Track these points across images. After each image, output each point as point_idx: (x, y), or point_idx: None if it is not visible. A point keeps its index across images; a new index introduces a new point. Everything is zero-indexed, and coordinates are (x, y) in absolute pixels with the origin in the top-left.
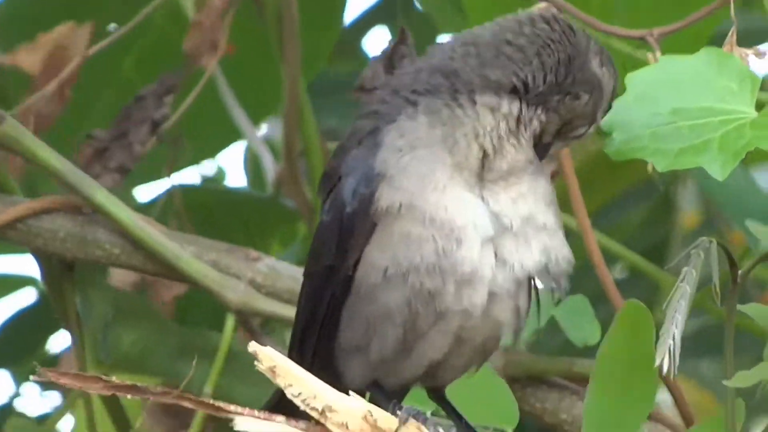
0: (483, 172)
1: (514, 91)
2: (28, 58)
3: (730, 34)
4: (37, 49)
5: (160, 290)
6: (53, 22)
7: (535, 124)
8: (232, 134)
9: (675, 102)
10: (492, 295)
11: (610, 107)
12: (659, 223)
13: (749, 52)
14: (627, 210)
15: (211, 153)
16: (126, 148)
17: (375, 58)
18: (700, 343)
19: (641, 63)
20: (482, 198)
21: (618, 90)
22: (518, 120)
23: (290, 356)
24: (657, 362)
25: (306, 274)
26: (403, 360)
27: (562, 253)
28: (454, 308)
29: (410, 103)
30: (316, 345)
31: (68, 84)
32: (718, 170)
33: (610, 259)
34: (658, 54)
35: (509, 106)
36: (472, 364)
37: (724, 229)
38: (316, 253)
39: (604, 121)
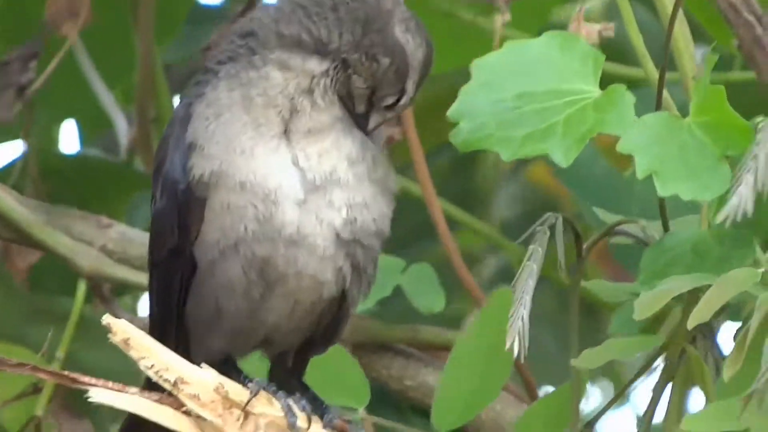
0: (288, 132)
1: (309, 49)
2: None
3: (577, 11)
4: None
5: (14, 258)
6: None
7: (335, 83)
8: (88, 100)
9: (520, 86)
10: (314, 255)
11: (421, 81)
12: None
13: (598, 27)
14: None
15: (66, 117)
16: None
17: (224, 22)
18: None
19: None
20: (292, 156)
21: (432, 66)
22: (313, 77)
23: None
24: (507, 345)
25: (152, 265)
26: (252, 325)
27: (363, 212)
28: (288, 271)
29: (214, 73)
30: (177, 332)
31: None
32: (561, 157)
33: (455, 225)
34: (507, 16)
35: (302, 63)
36: (305, 326)
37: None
38: (157, 241)
39: (452, 110)
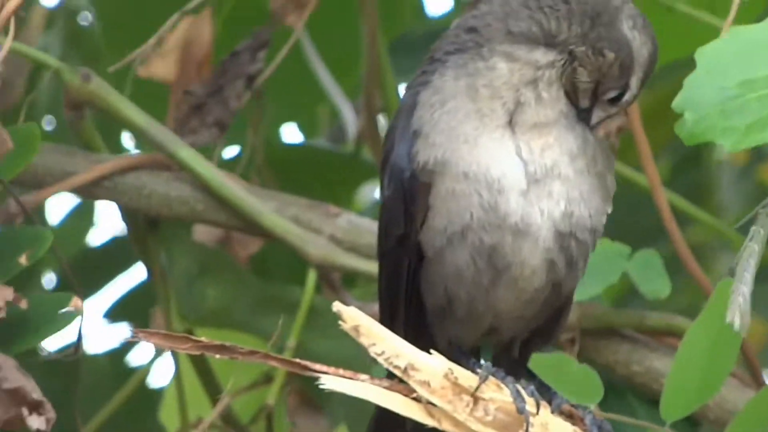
0: (513, 124)
1: (536, 41)
2: (162, 65)
3: None
4: (167, 53)
5: (236, 247)
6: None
7: (560, 75)
8: (316, 93)
9: (743, 74)
10: (537, 245)
11: (646, 78)
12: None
13: None
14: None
15: (297, 112)
16: (222, 103)
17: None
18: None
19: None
20: (515, 147)
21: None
22: (538, 68)
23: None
24: (728, 319)
25: (381, 255)
26: (481, 311)
27: (580, 206)
28: (514, 260)
29: (441, 62)
30: (406, 319)
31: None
32: None
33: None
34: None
35: (528, 53)
36: (530, 315)
37: None
38: (386, 229)
39: (676, 100)
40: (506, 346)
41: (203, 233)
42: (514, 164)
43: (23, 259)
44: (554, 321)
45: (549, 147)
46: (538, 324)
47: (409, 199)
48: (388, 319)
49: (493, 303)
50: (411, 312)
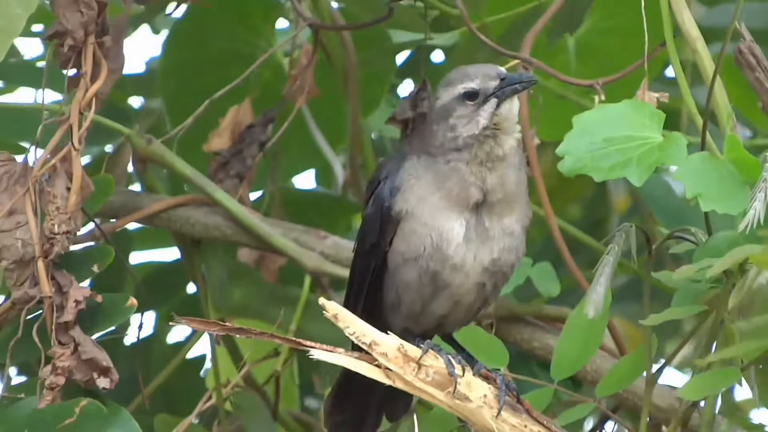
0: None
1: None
2: (219, 141)
3: (642, 84)
4: (222, 132)
5: (268, 262)
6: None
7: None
8: (315, 154)
9: (607, 133)
10: (469, 278)
11: None
12: (600, 209)
13: (656, 95)
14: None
15: (302, 168)
16: (242, 161)
17: (405, 98)
18: (634, 297)
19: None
20: (467, 214)
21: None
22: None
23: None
24: (585, 309)
25: (355, 254)
26: (422, 315)
27: (507, 258)
28: (451, 282)
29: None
30: (365, 303)
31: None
32: (636, 179)
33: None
34: (603, 96)
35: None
36: (467, 318)
37: (644, 212)
38: (363, 237)
39: (559, 148)
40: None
41: (245, 255)
42: (459, 225)
43: (95, 268)
44: (474, 315)
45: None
46: (469, 319)
47: (384, 220)
48: (351, 301)
49: (431, 309)
50: (368, 301)
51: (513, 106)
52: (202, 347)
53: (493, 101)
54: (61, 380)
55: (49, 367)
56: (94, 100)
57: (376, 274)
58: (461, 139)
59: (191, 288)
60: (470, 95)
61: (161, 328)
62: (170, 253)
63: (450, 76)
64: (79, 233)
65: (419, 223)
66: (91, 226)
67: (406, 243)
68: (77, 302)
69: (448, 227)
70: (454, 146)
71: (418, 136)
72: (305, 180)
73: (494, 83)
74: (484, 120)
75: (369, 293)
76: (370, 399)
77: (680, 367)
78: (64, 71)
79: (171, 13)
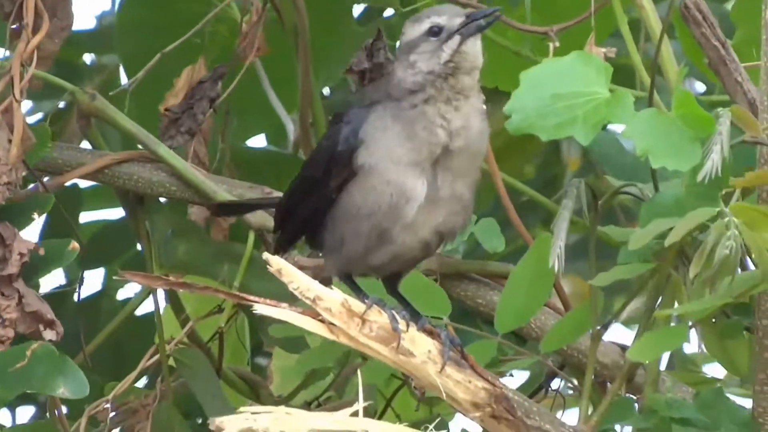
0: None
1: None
2: (175, 101)
3: (589, 39)
4: (178, 92)
5: (219, 220)
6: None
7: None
8: (268, 111)
9: (553, 89)
10: (416, 236)
11: None
12: (553, 166)
13: (603, 50)
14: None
15: (255, 126)
16: (192, 117)
17: (360, 49)
18: (583, 253)
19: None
20: (428, 176)
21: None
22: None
23: (276, 228)
24: (550, 264)
25: (301, 172)
26: (362, 261)
27: (456, 220)
28: (397, 240)
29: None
30: (291, 227)
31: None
32: (582, 137)
33: (516, 194)
34: (557, 43)
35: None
36: (404, 268)
37: (598, 169)
38: (312, 161)
39: (506, 106)
40: (387, 278)
41: (195, 213)
42: (421, 185)
43: (35, 215)
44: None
45: (454, 181)
46: (406, 270)
47: (331, 163)
48: (285, 242)
49: (372, 260)
50: (306, 229)
51: (477, 44)
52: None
53: (457, 38)
54: (10, 332)
55: None
56: (36, 52)
57: (317, 214)
58: (421, 75)
59: (139, 246)
60: (435, 32)
61: (110, 285)
62: (119, 212)
63: (418, 14)
64: (22, 191)
65: (381, 181)
66: (34, 184)
67: (363, 197)
68: (21, 255)
69: (410, 186)
70: (412, 84)
71: (382, 83)
72: (256, 139)
73: (460, 20)
74: (446, 56)
75: (307, 226)
76: None
77: (627, 323)
78: (6, 24)
79: None
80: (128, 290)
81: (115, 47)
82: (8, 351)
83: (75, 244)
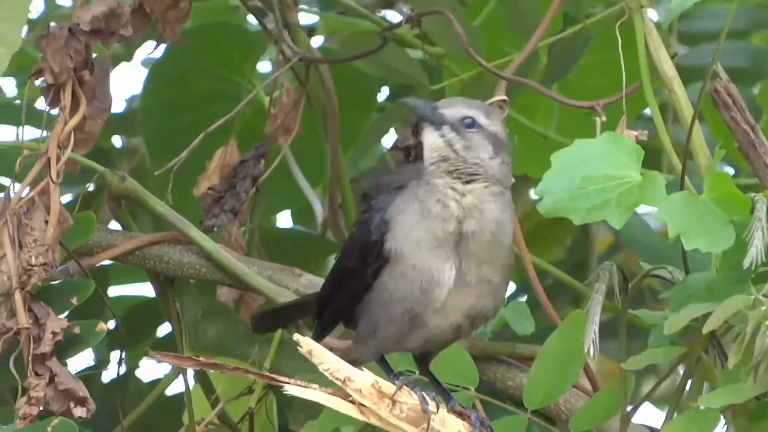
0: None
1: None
2: (207, 182)
3: (621, 119)
4: (210, 176)
5: (248, 301)
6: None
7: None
8: (296, 192)
9: (585, 172)
10: (448, 320)
11: None
12: (582, 248)
13: (635, 133)
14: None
15: (282, 207)
16: (235, 196)
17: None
18: (611, 333)
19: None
20: (454, 257)
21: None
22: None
23: (316, 316)
24: (585, 348)
25: (337, 262)
26: (396, 345)
27: (486, 303)
28: (429, 324)
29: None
30: (336, 316)
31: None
32: (616, 221)
33: (545, 276)
34: (604, 118)
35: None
36: (436, 350)
37: (625, 250)
38: (346, 251)
39: (537, 188)
40: (417, 355)
41: (224, 294)
42: (448, 269)
43: (74, 300)
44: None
45: (479, 266)
46: (438, 351)
47: (366, 252)
48: (323, 329)
49: (406, 343)
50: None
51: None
52: (181, 386)
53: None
54: (35, 410)
55: (24, 398)
56: (73, 134)
57: (353, 299)
58: (437, 153)
59: (167, 327)
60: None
61: (136, 366)
62: (148, 288)
63: (449, 99)
64: (57, 271)
65: (408, 266)
66: (67, 263)
67: (394, 283)
68: (54, 334)
69: (437, 270)
70: (430, 159)
71: (419, 164)
72: (283, 219)
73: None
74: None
75: (345, 309)
76: None
77: (657, 403)
78: (47, 109)
79: (151, 53)
80: (156, 371)
81: (139, 128)
82: (29, 427)
83: (102, 325)
